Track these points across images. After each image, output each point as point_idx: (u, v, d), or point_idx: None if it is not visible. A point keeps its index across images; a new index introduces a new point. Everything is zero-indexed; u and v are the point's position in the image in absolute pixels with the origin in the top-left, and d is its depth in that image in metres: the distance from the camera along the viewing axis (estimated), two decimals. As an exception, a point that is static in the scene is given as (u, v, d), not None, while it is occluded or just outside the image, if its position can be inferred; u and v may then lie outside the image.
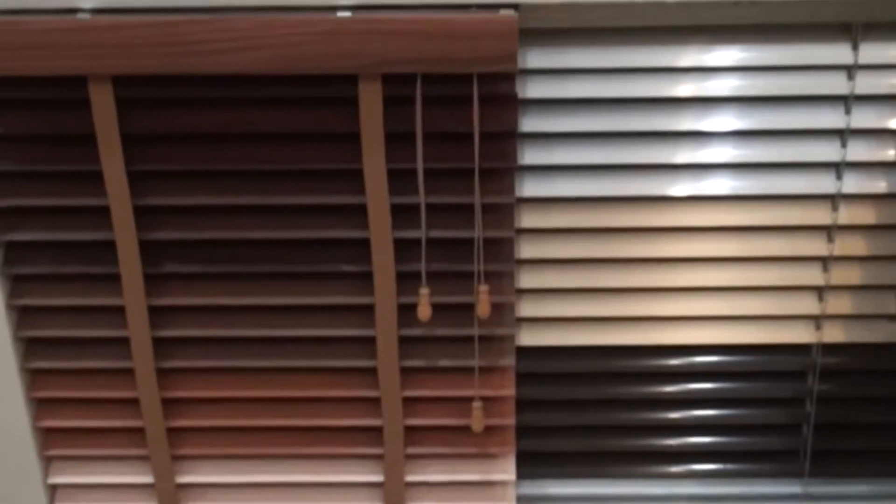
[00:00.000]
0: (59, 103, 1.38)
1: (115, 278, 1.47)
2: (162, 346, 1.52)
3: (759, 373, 1.57)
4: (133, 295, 1.46)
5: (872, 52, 1.37)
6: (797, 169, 1.45)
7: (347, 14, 1.29)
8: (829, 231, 1.48)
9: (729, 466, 1.62)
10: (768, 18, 1.36)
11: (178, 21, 1.29)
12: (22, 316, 1.52)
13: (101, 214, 1.43)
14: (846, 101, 1.41)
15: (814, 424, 1.58)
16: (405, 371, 1.53)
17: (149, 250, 1.46)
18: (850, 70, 1.39)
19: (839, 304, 1.52)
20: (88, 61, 1.30)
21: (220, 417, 1.56)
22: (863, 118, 1.41)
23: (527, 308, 1.52)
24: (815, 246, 1.48)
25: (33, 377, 1.56)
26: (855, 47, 1.37)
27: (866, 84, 1.39)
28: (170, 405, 1.56)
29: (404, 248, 1.44)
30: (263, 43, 1.29)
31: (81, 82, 1.34)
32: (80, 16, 1.30)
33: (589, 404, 1.59)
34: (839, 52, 1.38)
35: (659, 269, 1.50)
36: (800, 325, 1.54)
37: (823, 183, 1.45)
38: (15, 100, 1.38)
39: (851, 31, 1.37)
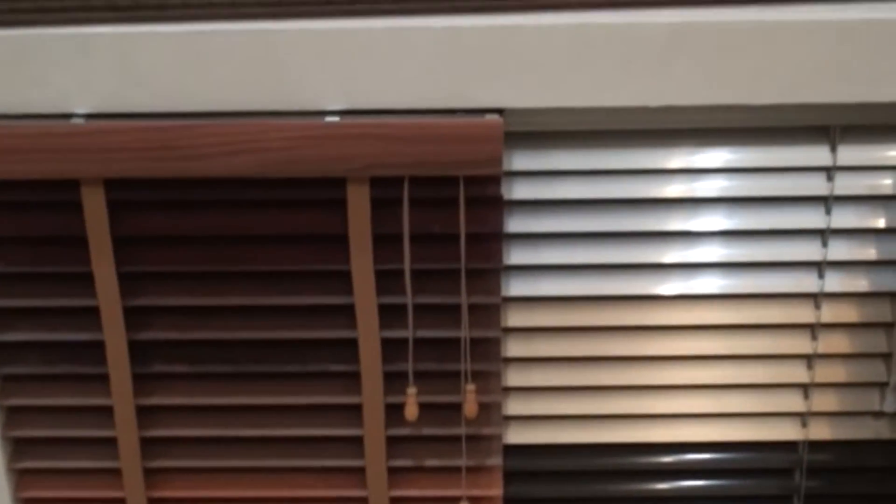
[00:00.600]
0: (51, 205, 1.39)
1: (103, 378, 1.47)
2: (150, 445, 1.52)
3: (746, 470, 1.57)
4: (121, 395, 1.47)
5: (850, 153, 1.40)
6: (781, 268, 1.47)
7: (336, 119, 1.32)
8: (812, 329, 1.49)
9: (718, 565, 1.62)
10: (750, 122, 1.39)
11: (170, 126, 1.31)
12: (10, 416, 1.52)
13: (91, 315, 1.44)
14: (826, 202, 1.43)
15: (802, 522, 1.58)
16: (393, 471, 1.53)
17: (137, 350, 1.46)
18: (830, 171, 1.42)
19: (824, 401, 1.53)
20: (82, 165, 1.33)
21: (208, 518, 1.56)
22: (843, 218, 1.43)
23: (514, 406, 1.53)
24: (800, 344, 1.50)
25: (21, 477, 1.56)
26: (833, 149, 1.40)
27: (845, 185, 1.42)
28: (157, 505, 1.56)
29: (391, 348, 1.45)
30: (254, 147, 1.31)
31: (73, 185, 1.36)
32: (75, 120, 1.33)
33: (577, 503, 1.59)
34: (819, 154, 1.41)
35: (645, 368, 1.51)
36: (786, 422, 1.55)
37: (806, 282, 1.47)
38: (6, 202, 1.40)
39: (830, 134, 1.40)
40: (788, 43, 1.29)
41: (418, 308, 1.43)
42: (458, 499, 1.53)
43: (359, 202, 1.36)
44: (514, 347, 1.50)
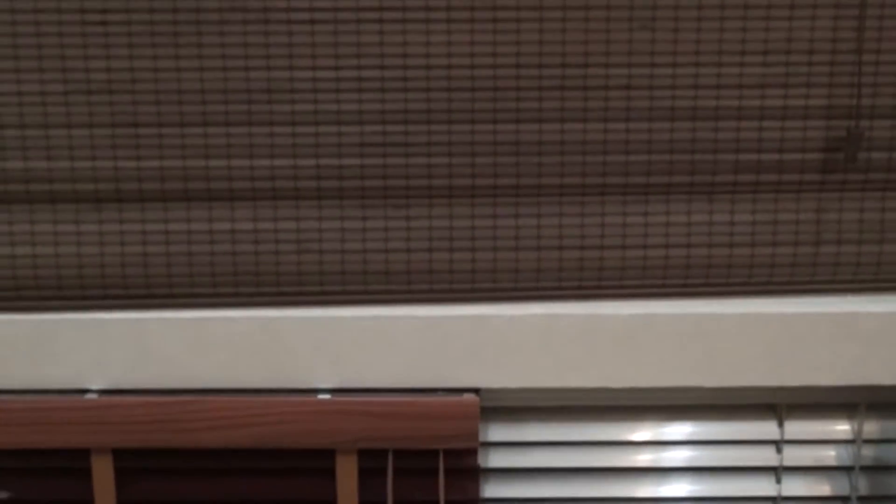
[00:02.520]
0: (61, 472, 1.49)
1: None
2: None
3: None
4: None
5: (797, 428, 1.53)
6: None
7: (328, 396, 1.45)
8: None
9: None
10: (705, 400, 1.52)
11: (175, 401, 1.44)
12: None
13: (93, 576, 1.52)
14: (776, 472, 1.55)
15: None
16: None
17: None
18: (778, 444, 1.54)
19: None
20: (93, 437, 1.44)
21: None
22: (793, 487, 1.55)
23: None
24: None
25: None
26: (781, 424, 1.53)
27: (793, 456, 1.54)
28: None
29: None
30: (252, 421, 1.44)
31: (84, 453, 1.47)
32: (89, 396, 1.45)
33: None
34: (768, 429, 1.53)
35: None
36: None
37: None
38: (20, 468, 1.50)
39: (777, 411, 1.53)
40: (735, 333, 1.44)
41: (400, 570, 1.52)
42: None
43: (347, 472, 1.47)
44: None
